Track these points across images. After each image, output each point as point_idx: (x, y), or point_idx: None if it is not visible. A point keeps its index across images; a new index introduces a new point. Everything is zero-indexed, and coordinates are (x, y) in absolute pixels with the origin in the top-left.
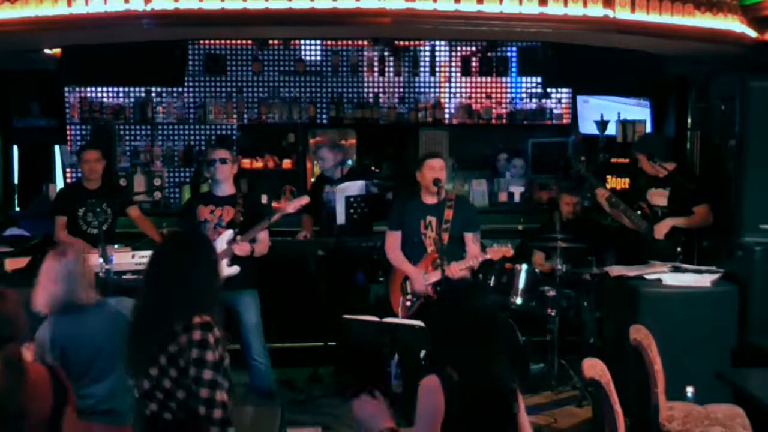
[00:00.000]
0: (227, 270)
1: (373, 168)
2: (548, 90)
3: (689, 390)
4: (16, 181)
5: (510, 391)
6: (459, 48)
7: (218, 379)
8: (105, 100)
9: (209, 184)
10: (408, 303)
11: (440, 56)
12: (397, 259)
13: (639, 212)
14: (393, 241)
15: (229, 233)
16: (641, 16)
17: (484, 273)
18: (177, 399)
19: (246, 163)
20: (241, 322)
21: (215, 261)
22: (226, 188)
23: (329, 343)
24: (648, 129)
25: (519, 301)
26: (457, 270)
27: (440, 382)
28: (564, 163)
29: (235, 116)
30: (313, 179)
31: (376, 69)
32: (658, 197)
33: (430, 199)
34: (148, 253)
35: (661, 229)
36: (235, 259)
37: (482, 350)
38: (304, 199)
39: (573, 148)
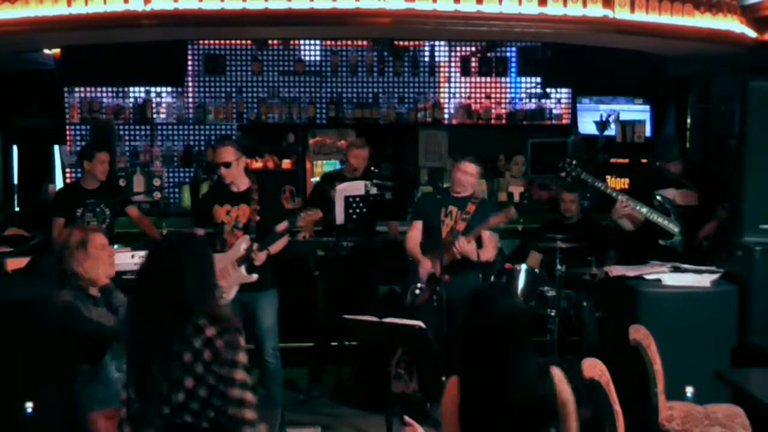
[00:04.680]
0: (246, 278)
1: (372, 168)
2: (548, 90)
3: (689, 390)
4: (16, 181)
5: (537, 400)
6: (458, 48)
7: (245, 398)
8: (105, 100)
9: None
10: (417, 291)
11: (440, 56)
12: (412, 248)
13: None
14: (413, 230)
15: (246, 239)
16: (641, 16)
17: (484, 273)
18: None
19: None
20: (257, 322)
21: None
22: (239, 183)
23: (329, 343)
24: (647, 129)
25: None
26: (465, 243)
27: (458, 382)
28: (560, 166)
29: (234, 116)
30: (313, 179)
31: (375, 69)
32: (684, 196)
33: (456, 194)
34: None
35: (707, 230)
36: (252, 265)
37: (505, 356)
38: (317, 215)
39: (573, 148)
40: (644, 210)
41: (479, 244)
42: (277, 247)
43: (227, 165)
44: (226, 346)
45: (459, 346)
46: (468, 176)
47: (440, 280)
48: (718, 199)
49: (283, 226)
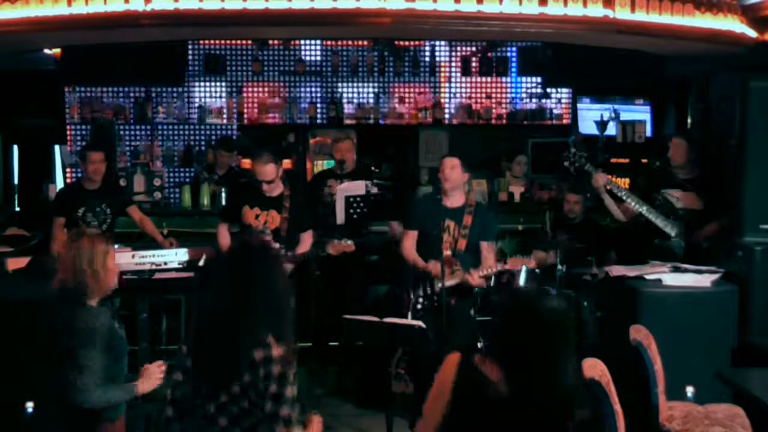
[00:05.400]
0: None
1: (373, 168)
2: (548, 90)
3: (689, 390)
4: (16, 181)
5: (565, 404)
6: (459, 48)
7: (293, 416)
8: (105, 100)
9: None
10: (419, 305)
11: (440, 56)
12: (413, 258)
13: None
14: (409, 240)
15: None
16: (641, 16)
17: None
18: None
19: (246, 163)
20: None
21: (283, 276)
22: (274, 187)
23: (329, 343)
24: (648, 129)
25: None
26: (477, 277)
27: (458, 362)
28: (564, 155)
29: (235, 116)
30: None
31: (376, 69)
32: (689, 199)
33: (449, 203)
34: (149, 253)
35: (708, 231)
36: None
37: (538, 358)
38: (349, 247)
39: (573, 148)
40: (644, 208)
41: (479, 257)
42: (303, 248)
43: (270, 182)
44: (269, 377)
45: (496, 338)
46: (451, 170)
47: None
48: (723, 206)
49: (304, 248)
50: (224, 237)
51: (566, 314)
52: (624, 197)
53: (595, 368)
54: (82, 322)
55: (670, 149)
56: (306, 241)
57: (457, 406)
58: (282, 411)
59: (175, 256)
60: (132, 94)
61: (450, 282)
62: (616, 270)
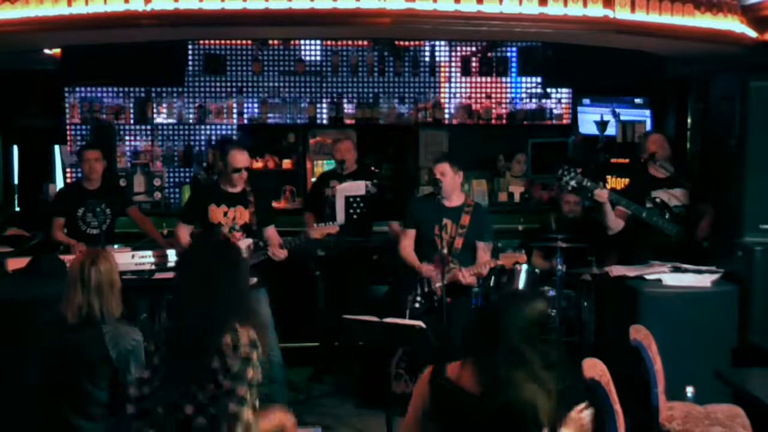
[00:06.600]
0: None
1: (373, 168)
2: (548, 90)
3: (689, 390)
4: (16, 181)
5: (523, 414)
6: (459, 48)
7: (248, 396)
8: (105, 100)
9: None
10: (417, 305)
11: (440, 56)
12: (408, 256)
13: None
14: (407, 239)
15: (248, 242)
16: (641, 16)
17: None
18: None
19: None
20: None
21: (246, 264)
22: (240, 183)
23: (332, 344)
24: (648, 129)
25: None
26: (468, 275)
27: (430, 376)
28: (559, 174)
29: (235, 116)
30: (313, 179)
31: (376, 69)
32: (675, 197)
33: (447, 203)
34: (149, 253)
35: (705, 227)
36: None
37: (488, 361)
38: (333, 228)
39: (573, 148)
40: (644, 214)
41: (474, 254)
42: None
43: (244, 171)
44: (235, 358)
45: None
46: (442, 176)
47: (439, 294)
48: (705, 198)
49: (283, 253)
50: (185, 238)
51: (542, 315)
52: (624, 206)
53: (595, 368)
54: (130, 339)
55: (650, 147)
56: (274, 239)
57: (435, 425)
58: (239, 389)
59: (174, 256)
60: (132, 94)
61: (445, 281)
62: (617, 270)
